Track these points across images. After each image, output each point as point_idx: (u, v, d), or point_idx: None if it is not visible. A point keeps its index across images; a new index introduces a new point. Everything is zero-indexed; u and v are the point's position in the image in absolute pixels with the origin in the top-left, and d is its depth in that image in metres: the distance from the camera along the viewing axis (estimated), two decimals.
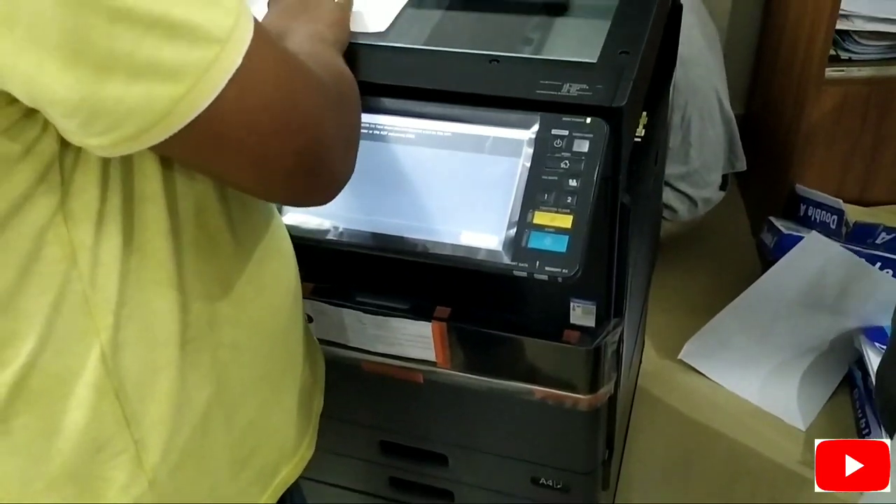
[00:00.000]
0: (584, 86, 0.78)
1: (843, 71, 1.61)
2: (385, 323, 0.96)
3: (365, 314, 0.95)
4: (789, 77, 1.77)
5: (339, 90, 0.60)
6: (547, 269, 0.71)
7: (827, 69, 1.60)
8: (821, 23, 1.56)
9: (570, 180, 0.73)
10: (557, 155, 0.75)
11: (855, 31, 1.59)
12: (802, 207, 1.75)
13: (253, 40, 0.46)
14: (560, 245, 0.71)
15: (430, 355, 0.98)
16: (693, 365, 1.69)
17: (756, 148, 1.95)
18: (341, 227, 0.77)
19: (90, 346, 0.52)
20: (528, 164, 0.75)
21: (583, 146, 0.74)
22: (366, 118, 0.80)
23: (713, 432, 1.59)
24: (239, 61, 0.45)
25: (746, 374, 1.65)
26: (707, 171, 1.77)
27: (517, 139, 0.76)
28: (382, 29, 0.89)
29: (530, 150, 0.76)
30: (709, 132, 1.74)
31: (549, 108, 0.77)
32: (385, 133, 0.80)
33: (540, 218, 0.73)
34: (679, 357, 1.70)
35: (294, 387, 0.72)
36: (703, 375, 1.68)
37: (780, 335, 1.65)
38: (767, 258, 1.74)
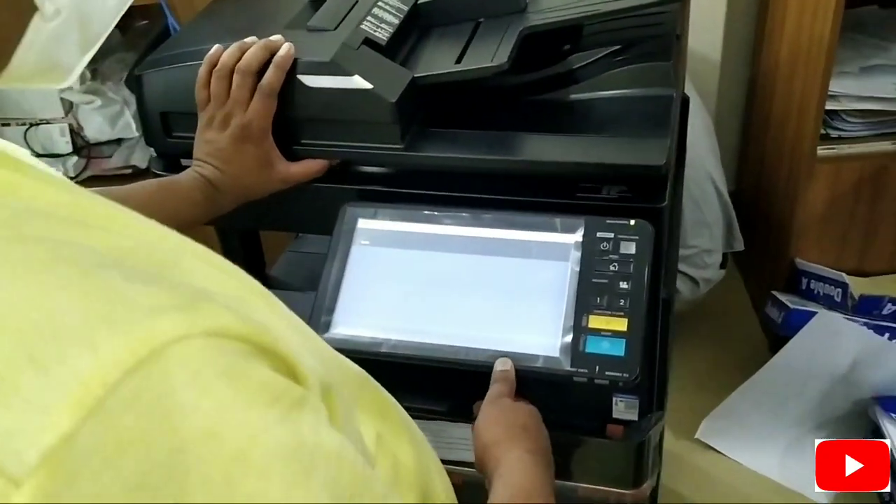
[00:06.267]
0: (624, 187, 0.80)
1: (834, 149, 1.66)
2: (425, 426, 0.94)
3: None
4: (780, 156, 1.82)
5: None
6: (607, 373, 0.71)
7: (818, 148, 1.65)
8: (810, 105, 1.62)
9: (622, 283, 0.74)
10: (605, 258, 0.76)
11: (843, 111, 1.64)
12: (804, 281, 1.78)
13: None
14: (618, 349, 0.72)
15: (471, 457, 0.97)
16: (711, 444, 1.69)
17: (751, 224, 1.98)
18: (394, 338, 0.77)
19: None
20: (577, 268, 0.76)
21: (630, 248, 0.76)
22: (412, 227, 0.81)
23: None
24: None
25: (765, 450, 1.65)
26: (707, 253, 1.81)
27: (564, 243, 0.78)
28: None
29: (578, 254, 0.77)
30: (706, 217, 1.78)
31: (593, 210, 0.79)
32: (431, 243, 0.81)
33: (595, 322, 0.73)
34: (696, 436, 1.70)
35: None
36: (722, 454, 1.67)
37: (795, 410, 1.66)
38: (776, 333, 1.76)
